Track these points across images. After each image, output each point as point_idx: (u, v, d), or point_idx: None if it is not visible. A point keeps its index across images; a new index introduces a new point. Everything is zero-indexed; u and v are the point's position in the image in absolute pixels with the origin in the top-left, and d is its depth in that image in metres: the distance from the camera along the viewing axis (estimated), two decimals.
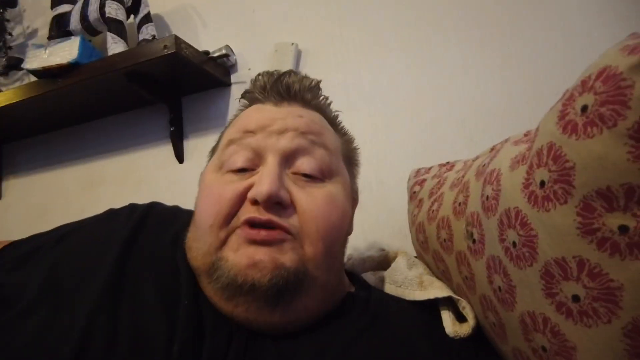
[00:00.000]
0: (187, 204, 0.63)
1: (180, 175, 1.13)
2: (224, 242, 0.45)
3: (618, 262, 0.28)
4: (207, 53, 1.04)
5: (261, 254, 0.42)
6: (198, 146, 1.13)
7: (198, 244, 0.47)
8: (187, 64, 0.99)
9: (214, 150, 0.59)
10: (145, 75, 1.02)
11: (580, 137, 0.28)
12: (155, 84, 1.06)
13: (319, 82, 0.58)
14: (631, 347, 0.28)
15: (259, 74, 0.58)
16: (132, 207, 0.59)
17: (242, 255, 0.43)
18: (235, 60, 1.10)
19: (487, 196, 0.40)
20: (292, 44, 1.01)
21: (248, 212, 0.45)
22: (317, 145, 0.51)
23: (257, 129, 0.50)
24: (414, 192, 0.69)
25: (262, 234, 0.43)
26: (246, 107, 0.58)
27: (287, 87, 0.55)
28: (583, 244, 0.29)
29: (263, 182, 0.44)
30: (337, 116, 0.61)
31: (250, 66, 1.09)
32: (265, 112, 0.53)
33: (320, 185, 0.49)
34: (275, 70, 0.57)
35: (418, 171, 0.74)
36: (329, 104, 0.60)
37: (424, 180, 0.69)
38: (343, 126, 0.62)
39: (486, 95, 0.86)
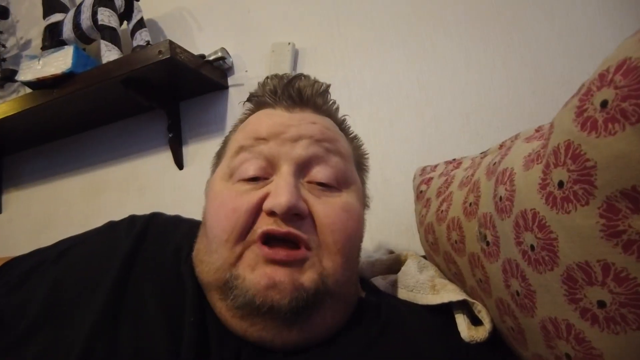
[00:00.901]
0: (189, 210, 0.62)
1: (182, 181, 1.12)
2: (239, 258, 0.43)
3: None
4: (203, 57, 1.02)
5: (281, 274, 0.41)
6: (198, 151, 1.11)
7: (211, 258, 0.45)
8: (183, 69, 0.98)
9: (219, 156, 0.57)
10: (141, 81, 1.01)
11: (600, 134, 0.27)
12: (152, 90, 1.04)
13: (328, 85, 0.57)
14: None
15: (267, 77, 0.56)
16: (132, 219, 0.58)
17: (261, 276, 0.41)
18: (232, 62, 1.08)
19: (501, 197, 0.38)
20: (289, 43, 0.99)
21: (265, 224, 0.43)
22: (332, 153, 0.49)
23: (269, 136, 0.48)
24: (421, 192, 0.68)
25: (282, 253, 0.41)
26: (252, 110, 0.56)
27: (298, 92, 0.53)
28: (608, 247, 0.28)
29: (280, 193, 0.43)
30: (345, 120, 0.60)
31: (247, 68, 1.08)
32: (277, 118, 0.51)
33: (337, 194, 0.48)
34: (285, 74, 0.55)
35: (424, 169, 0.72)
36: (337, 109, 0.59)
37: (430, 179, 0.67)
38: (352, 131, 0.60)
39: (490, 88, 0.84)
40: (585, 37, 0.79)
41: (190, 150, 1.13)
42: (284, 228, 0.42)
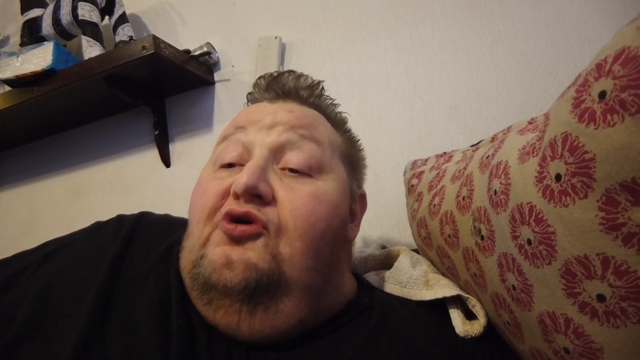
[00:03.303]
0: (177, 208, 0.61)
1: (169, 179, 1.10)
2: (207, 239, 0.44)
3: None
4: (188, 52, 1.00)
5: (235, 253, 0.41)
6: (185, 149, 1.09)
7: (187, 242, 0.46)
8: (168, 65, 0.96)
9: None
10: (124, 78, 0.98)
11: (599, 126, 0.26)
12: (136, 87, 1.02)
13: (319, 82, 0.57)
14: None
15: (260, 77, 0.57)
16: (120, 219, 0.56)
17: (219, 253, 0.41)
18: (218, 57, 1.06)
19: (495, 191, 0.38)
20: (276, 37, 0.98)
21: (229, 204, 0.43)
22: (307, 139, 0.49)
23: (247, 124, 0.50)
24: (412, 185, 0.67)
25: (239, 229, 0.41)
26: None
27: (282, 85, 0.55)
28: (607, 240, 0.27)
29: (243, 174, 0.43)
30: (342, 118, 0.60)
31: (233, 63, 1.06)
32: (257, 108, 0.53)
33: (308, 181, 0.47)
34: (276, 72, 0.56)
35: (414, 163, 0.72)
36: (335, 105, 0.59)
37: (421, 173, 0.66)
38: (349, 128, 0.60)
39: (478, 79, 0.84)
40: (572, 24, 0.79)
41: (177, 148, 1.10)
42: (243, 207, 0.42)
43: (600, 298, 0.28)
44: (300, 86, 0.55)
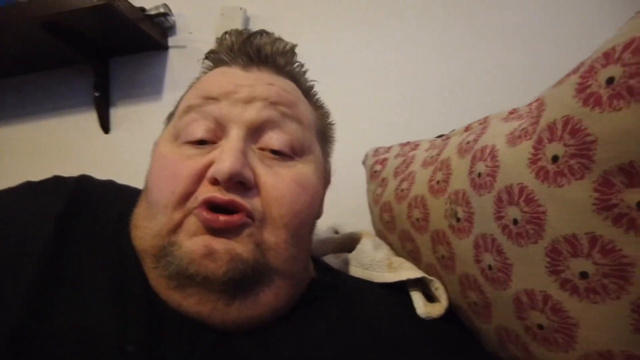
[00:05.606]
0: (116, 179, 0.55)
1: (107, 147, 1.01)
2: (178, 225, 0.39)
3: (633, 238, 0.28)
4: (143, 10, 0.93)
5: (218, 243, 0.37)
6: (128, 115, 1.01)
7: (149, 223, 0.41)
8: (120, 20, 0.87)
9: (170, 117, 0.51)
10: (67, 28, 0.88)
11: (605, 109, 0.27)
12: (79, 40, 0.92)
13: (294, 46, 0.52)
14: (636, 322, 0.28)
15: (226, 32, 0.51)
16: (58, 179, 0.50)
17: (198, 243, 0.37)
18: (174, 21, 1.00)
19: (480, 173, 0.39)
20: (241, 8, 0.94)
21: (207, 191, 0.39)
22: (289, 119, 0.46)
23: (220, 96, 0.44)
24: (375, 171, 0.68)
25: (222, 219, 0.38)
26: (209, 69, 0.51)
27: (257, 49, 0.49)
28: (598, 220, 0.29)
29: (225, 159, 0.39)
30: (312, 86, 0.56)
31: (191, 29, 1.00)
32: (231, 77, 0.47)
33: (290, 164, 0.44)
34: (245, 29, 0.51)
35: (377, 150, 0.73)
36: (305, 72, 0.55)
37: (385, 160, 0.67)
38: (318, 98, 0.57)
39: (446, 73, 0.86)
40: (539, 27, 0.84)
41: (118, 113, 1.02)
42: (226, 196, 0.39)
43: (583, 275, 0.30)
44: (278, 52, 0.50)
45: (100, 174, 0.54)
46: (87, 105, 1.02)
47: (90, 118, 1.02)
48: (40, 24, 0.84)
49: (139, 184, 0.50)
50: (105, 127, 1.01)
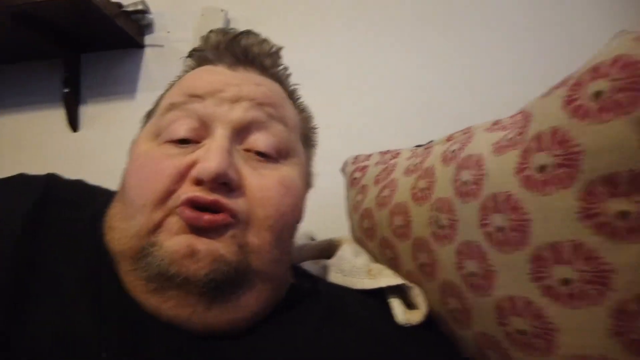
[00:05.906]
0: (83, 179, 0.53)
1: (74, 145, 0.97)
2: (158, 225, 0.38)
3: (614, 245, 0.29)
4: (120, 5, 0.91)
5: (200, 243, 0.36)
6: (99, 113, 0.98)
7: (126, 224, 0.39)
8: (95, 13, 0.85)
9: (149, 115, 0.50)
10: (38, 19, 0.85)
11: (593, 121, 0.29)
12: (51, 33, 0.89)
13: (280, 48, 0.53)
14: (613, 327, 0.29)
15: (211, 31, 0.50)
16: (24, 177, 0.48)
17: (180, 243, 0.36)
18: (152, 19, 0.98)
19: (465, 181, 0.40)
20: (222, 10, 0.93)
21: (190, 191, 0.38)
22: (275, 120, 0.45)
23: (205, 94, 0.43)
24: (355, 178, 0.68)
25: (206, 218, 0.37)
26: (192, 67, 0.51)
27: (244, 49, 0.48)
28: (581, 228, 0.30)
29: (210, 159, 0.38)
30: (295, 90, 0.56)
31: (169, 29, 0.98)
32: (217, 75, 0.46)
33: (275, 166, 0.44)
34: (231, 29, 0.50)
35: (357, 157, 0.73)
36: (289, 75, 0.55)
37: (365, 167, 0.68)
38: (302, 101, 0.57)
39: (427, 84, 0.88)
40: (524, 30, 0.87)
41: (88, 111, 0.99)
42: (210, 196, 0.38)
43: (566, 282, 0.31)
44: (264, 53, 0.50)
45: (67, 173, 0.51)
46: (54, 102, 0.99)
47: (57, 115, 0.98)
48: (10, 14, 0.81)
49: (109, 185, 0.48)
50: (74, 125, 0.97)
